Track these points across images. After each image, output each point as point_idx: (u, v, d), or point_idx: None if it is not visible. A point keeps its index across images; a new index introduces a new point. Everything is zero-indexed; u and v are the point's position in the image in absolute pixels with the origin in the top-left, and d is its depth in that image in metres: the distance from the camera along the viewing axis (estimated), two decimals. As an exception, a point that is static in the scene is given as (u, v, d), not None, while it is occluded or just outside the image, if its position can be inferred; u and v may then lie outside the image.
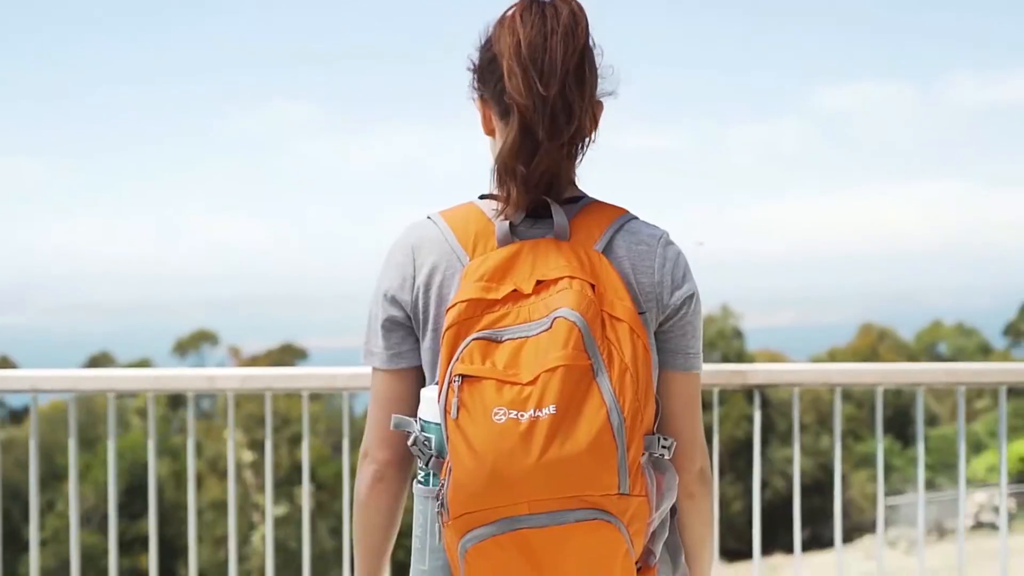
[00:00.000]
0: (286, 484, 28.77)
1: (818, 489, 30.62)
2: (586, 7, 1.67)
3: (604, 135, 1.75)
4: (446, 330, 1.59)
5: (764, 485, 31.12)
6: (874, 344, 44.71)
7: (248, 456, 30.22)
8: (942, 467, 30.34)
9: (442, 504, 1.55)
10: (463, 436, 1.51)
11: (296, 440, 28.75)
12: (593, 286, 1.60)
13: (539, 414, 1.48)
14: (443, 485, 1.55)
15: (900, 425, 33.06)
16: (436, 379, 1.69)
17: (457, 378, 1.54)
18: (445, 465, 1.55)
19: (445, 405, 1.54)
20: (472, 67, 1.78)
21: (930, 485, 32.20)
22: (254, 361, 44.42)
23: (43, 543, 24.35)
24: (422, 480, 1.65)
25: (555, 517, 1.50)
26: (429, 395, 1.65)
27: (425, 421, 1.64)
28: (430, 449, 1.62)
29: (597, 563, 1.54)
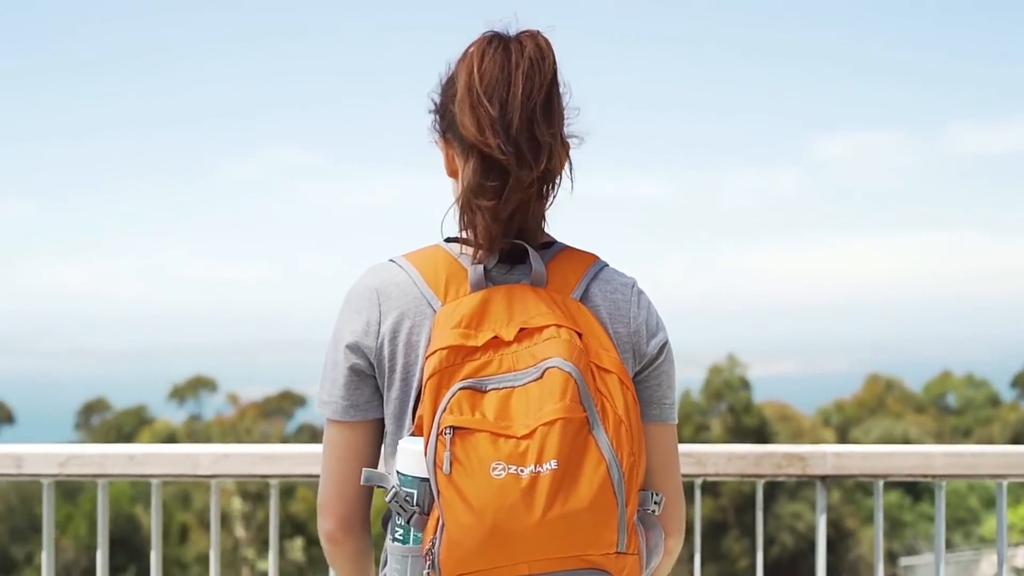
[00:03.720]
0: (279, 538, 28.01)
1: (827, 546, 29.80)
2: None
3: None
4: (428, 378, 1.52)
5: (771, 541, 30.36)
6: (881, 395, 44.10)
7: (239, 506, 29.43)
8: (956, 524, 29.41)
9: (432, 564, 1.47)
10: (458, 492, 1.44)
11: (287, 491, 28.02)
12: (580, 335, 1.55)
13: (540, 469, 1.43)
14: (434, 543, 1.47)
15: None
16: (407, 430, 1.63)
17: (448, 430, 1.46)
18: (434, 522, 1.48)
19: (435, 459, 1.47)
20: (433, 107, 1.73)
21: (946, 544, 31.20)
22: (252, 407, 43.64)
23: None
24: (400, 538, 1.54)
25: None
26: (411, 447, 1.54)
27: (405, 475, 1.54)
28: (413, 505, 1.52)
29: None
